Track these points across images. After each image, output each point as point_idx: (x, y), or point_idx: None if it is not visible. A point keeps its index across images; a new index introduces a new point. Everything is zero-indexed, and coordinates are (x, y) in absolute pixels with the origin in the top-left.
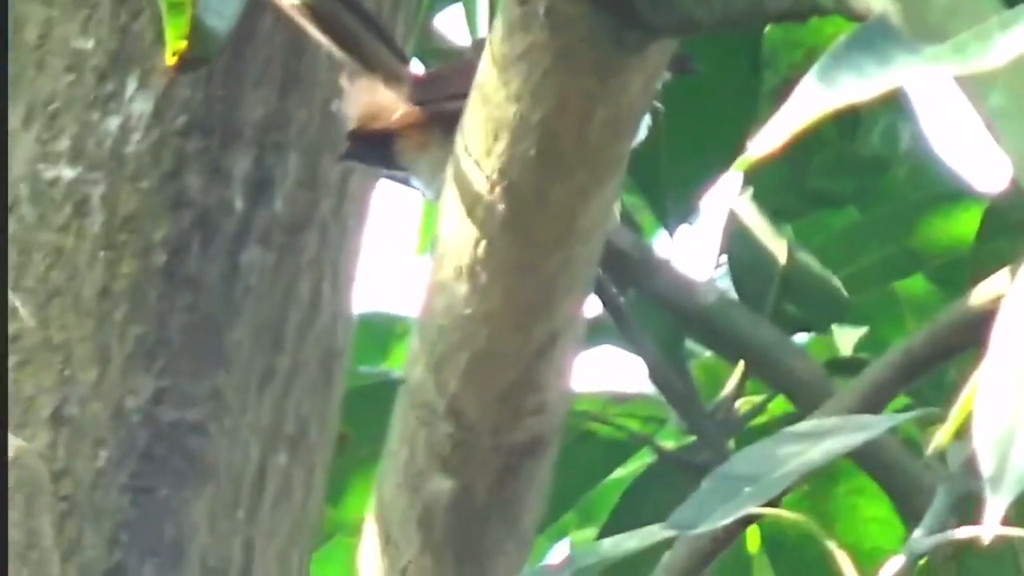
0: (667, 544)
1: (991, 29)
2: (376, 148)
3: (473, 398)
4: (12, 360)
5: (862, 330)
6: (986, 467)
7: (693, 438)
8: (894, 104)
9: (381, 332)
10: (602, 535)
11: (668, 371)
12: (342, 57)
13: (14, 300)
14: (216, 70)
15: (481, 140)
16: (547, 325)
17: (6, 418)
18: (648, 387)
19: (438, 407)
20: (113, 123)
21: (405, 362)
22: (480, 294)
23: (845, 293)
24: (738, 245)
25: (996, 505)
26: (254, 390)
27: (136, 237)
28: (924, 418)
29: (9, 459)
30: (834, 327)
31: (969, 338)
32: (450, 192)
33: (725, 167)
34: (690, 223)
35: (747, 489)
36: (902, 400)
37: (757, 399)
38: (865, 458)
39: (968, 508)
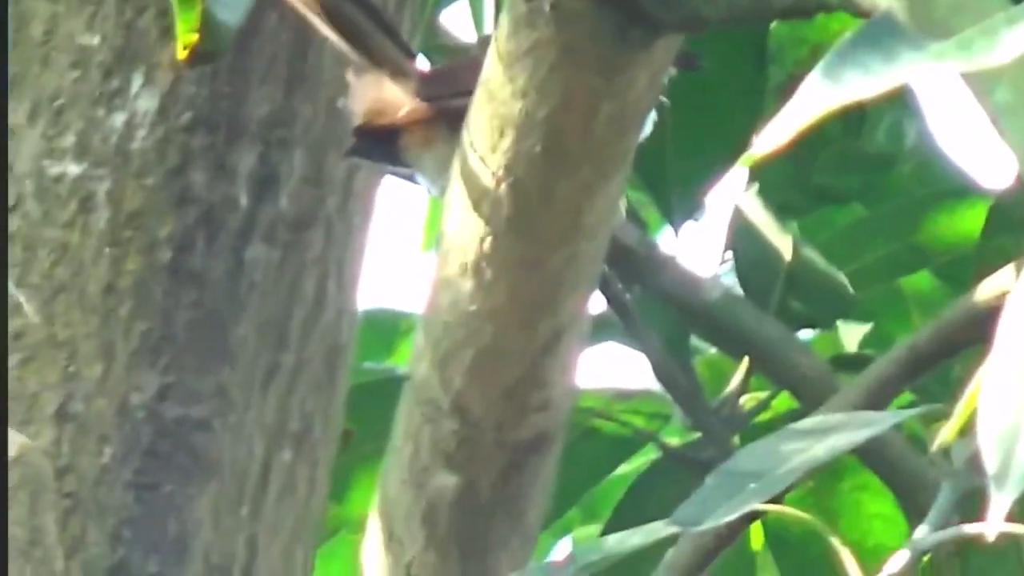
0: (671, 541)
1: (997, 25)
2: (382, 144)
3: (478, 394)
4: (16, 357)
5: (867, 326)
6: (990, 464)
7: (698, 434)
8: (899, 100)
9: (386, 328)
10: (606, 532)
11: (673, 367)
12: (348, 53)
13: (19, 296)
14: (222, 67)
15: (486, 136)
16: (552, 321)
17: (6, 415)
18: (653, 383)
19: (443, 403)
20: (118, 119)
21: (410, 359)
22: (485, 290)
23: (850, 289)
24: (743, 241)
25: (1000, 502)
26: (258, 386)
27: (141, 233)
28: (929, 414)
29: (13, 456)
30: (839, 323)
31: (974, 334)
32: (455, 188)
33: (730, 163)
34: (695, 219)
35: (751, 486)
36: (907, 396)
37: (762, 395)
38: (869, 454)
39: (972, 505)
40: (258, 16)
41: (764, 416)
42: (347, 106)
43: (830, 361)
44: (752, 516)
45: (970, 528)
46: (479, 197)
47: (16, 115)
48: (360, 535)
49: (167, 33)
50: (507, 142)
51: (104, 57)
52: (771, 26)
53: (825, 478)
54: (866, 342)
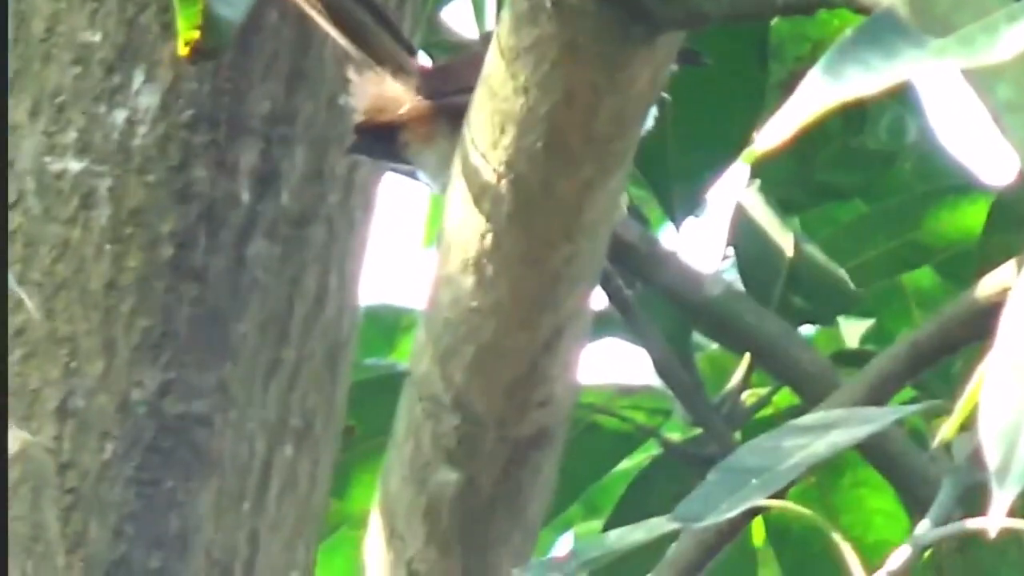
0: (672, 537)
1: (998, 22)
2: (383, 141)
3: (479, 391)
4: (18, 353)
5: (868, 322)
6: (992, 460)
7: (699, 430)
8: (901, 97)
9: (387, 325)
10: (607, 527)
11: (674, 363)
12: (349, 50)
13: (20, 293)
14: (223, 63)
15: (488, 133)
16: (553, 318)
17: (6, 411)
18: (654, 379)
19: (444, 400)
20: (120, 116)
21: (411, 355)
22: (486, 287)
23: (852, 285)
24: (745, 238)
25: (1002, 498)
26: (260, 382)
27: (142, 230)
28: (930, 410)
29: (15, 452)
30: (840, 319)
31: (975, 331)
32: (457, 185)
33: (732, 160)
34: (697, 216)
35: (753, 482)
36: (908, 392)
37: (763, 391)
38: (871, 450)
39: (974, 500)
40: (260, 13)
41: (765, 412)
42: (348, 103)
43: (831, 357)
44: (753, 512)
45: (972, 523)
46: (480, 193)
47: (17, 112)
48: (362, 531)
49: (168, 30)
50: (508, 138)
51: (105, 54)
52: (772, 22)
53: (827, 474)
54: (867, 338)
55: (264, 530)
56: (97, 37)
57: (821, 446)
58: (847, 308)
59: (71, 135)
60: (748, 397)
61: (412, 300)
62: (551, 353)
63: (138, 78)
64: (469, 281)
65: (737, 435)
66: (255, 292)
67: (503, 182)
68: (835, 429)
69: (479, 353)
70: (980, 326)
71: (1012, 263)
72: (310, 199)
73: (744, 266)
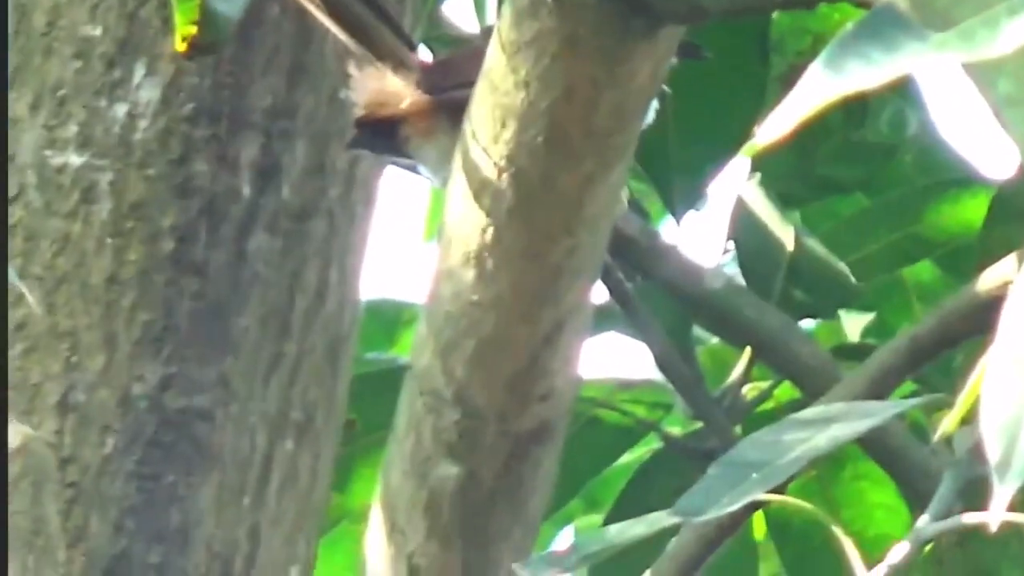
0: (673, 531)
1: (999, 16)
2: (384, 135)
3: (480, 385)
4: (19, 347)
5: (869, 316)
6: (993, 454)
7: (699, 424)
8: (902, 90)
9: (388, 319)
10: (608, 522)
11: (675, 357)
12: (350, 44)
13: (21, 287)
14: (224, 57)
15: (489, 127)
16: (554, 312)
17: (6, 406)
18: (655, 373)
19: (445, 394)
20: (121, 110)
21: (412, 349)
22: (487, 281)
23: (852, 279)
24: (745, 231)
25: (1003, 492)
26: (261, 377)
27: (143, 224)
28: (931, 404)
29: (16, 446)
30: (841, 313)
31: (976, 324)
32: (457, 179)
33: (733, 153)
34: (697, 209)
35: (753, 476)
36: (909, 386)
37: (764, 385)
38: (872, 444)
39: (975, 494)
40: (261, 7)
41: (766, 406)
42: (349, 97)
43: (832, 351)
44: (754, 506)
45: (972, 517)
46: (481, 188)
47: (18, 106)
48: (362, 525)
49: (169, 24)
50: (509, 132)
51: (106, 48)
52: (773, 16)
53: (827, 468)
54: (868, 332)
55: (265, 524)
56: (98, 31)
57: (822, 440)
58: (848, 302)
59: (72, 129)
60: (749, 391)
61: (413, 294)
62: (552, 347)
63: (139, 72)
64: (470, 275)
65: (738, 429)
66: (256, 286)
67: (504, 176)
68: (836, 423)
69: (480, 347)
70: (981, 320)
71: (1013, 257)
72: (311, 193)
73: (745, 260)
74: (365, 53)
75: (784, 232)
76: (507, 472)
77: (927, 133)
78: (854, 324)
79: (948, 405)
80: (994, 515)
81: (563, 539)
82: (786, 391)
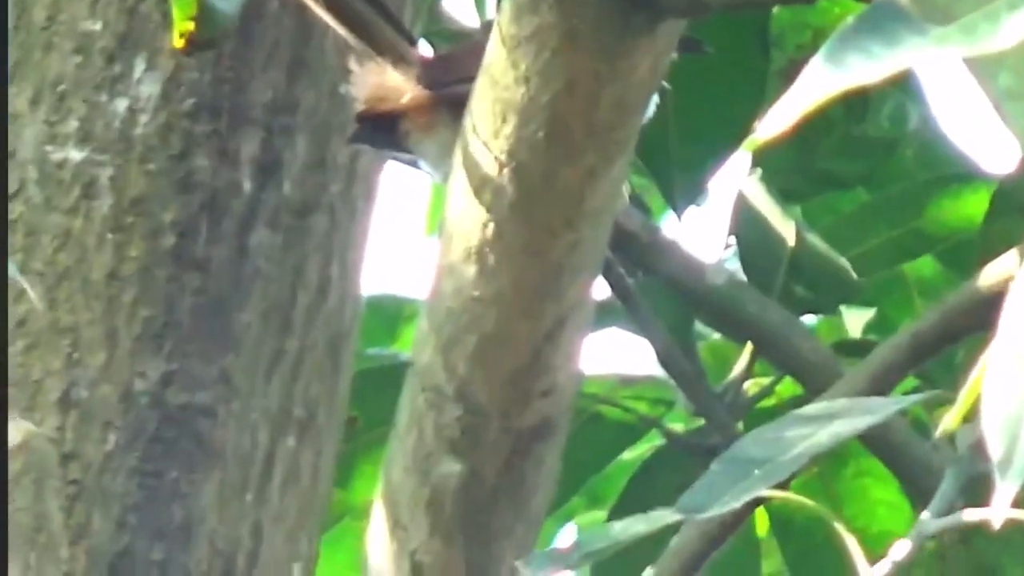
0: (676, 527)
1: (999, 10)
2: (384, 130)
3: (482, 381)
4: (20, 343)
5: (870, 312)
6: (995, 450)
7: (701, 421)
8: (903, 85)
9: (390, 314)
10: (610, 518)
11: (676, 353)
12: (350, 39)
13: (22, 282)
14: (224, 52)
15: (489, 122)
16: (555, 307)
17: (7, 403)
18: (656, 369)
19: (447, 390)
20: (121, 105)
21: (414, 345)
22: (488, 276)
23: (854, 275)
24: (747, 227)
25: (1005, 489)
26: (263, 373)
27: (144, 219)
28: (933, 400)
29: (17, 443)
30: (842, 309)
31: (978, 320)
32: (458, 174)
33: (733, 148)
34: (699, 205)
35: (756, 472)
36: (911, 382)
37: (765, 381)
38: (874, 440)
39: (977, 491)
40: (261, 2)
41: (768, 402)
42: (349, 92)
43: (833, 347)
44: (756, 503)
45: (975, 514)
46: (482, 183)
47: (19, 101)
48: (365, 522)
49: (169, 19)
50: (510, 127)
51: (107, 43)
52: (773, 11)
53: (829, 464)
54: (869, 327)
55: (267, 521)
56: (98, 26)
57: (824, 436)
58: (849, 297)
59: (72, 124)
60: (750, 387)
61: (414, 290)
62: (553, 343)
63: (139, 67)
64: (471, 270)
65: (740, 425)
66: (257, 282)
67: (505, 171)
68: (838, 419)
69: (481, 343)
70: (982, 315)
71: (1014, 252)
72: (312, 188)
73: (746, 255)
74: (365, 48)
75: (785, 227)
76: (509, 469)
77: (928, 128)
78: (855, 320)
79: (950, 401)
80: (997, 512)
81: (565, 536)
82: (788, 387)
